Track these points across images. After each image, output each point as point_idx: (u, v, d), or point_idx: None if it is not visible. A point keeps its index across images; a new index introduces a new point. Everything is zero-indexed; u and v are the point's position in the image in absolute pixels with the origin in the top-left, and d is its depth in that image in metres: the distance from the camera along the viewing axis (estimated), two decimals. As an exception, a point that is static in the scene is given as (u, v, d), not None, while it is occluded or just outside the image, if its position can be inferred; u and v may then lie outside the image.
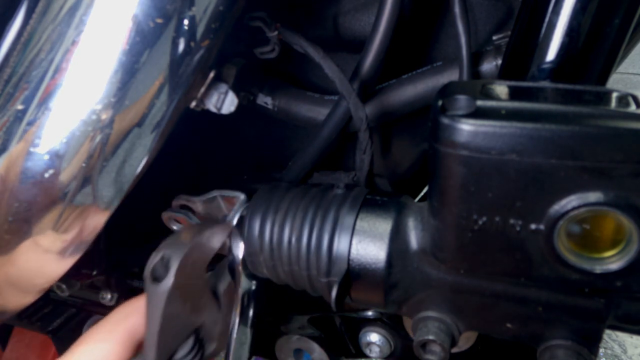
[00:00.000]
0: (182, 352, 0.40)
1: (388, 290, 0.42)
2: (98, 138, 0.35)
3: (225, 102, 0.42)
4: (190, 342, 0.41)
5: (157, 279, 0.37)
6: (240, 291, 0.49)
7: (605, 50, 0.41)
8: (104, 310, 0.66)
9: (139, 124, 0.36)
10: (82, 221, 0.37)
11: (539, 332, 0.39)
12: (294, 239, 0.44)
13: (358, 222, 0.42)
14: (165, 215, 0.49)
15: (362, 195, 0.44)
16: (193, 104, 0.40)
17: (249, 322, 0.50)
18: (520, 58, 0.43)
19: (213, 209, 0.50)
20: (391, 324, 0.59)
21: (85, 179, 0.36)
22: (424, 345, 0.40)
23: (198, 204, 0.50)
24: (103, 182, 0.36)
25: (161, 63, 0.34)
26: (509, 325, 0.39)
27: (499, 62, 0.52)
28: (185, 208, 0.50)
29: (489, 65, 0.52)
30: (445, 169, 0.32)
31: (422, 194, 0.74)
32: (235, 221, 0.46)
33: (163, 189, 0.52)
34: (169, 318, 0.38)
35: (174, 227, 0.50)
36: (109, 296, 0.62)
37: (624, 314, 0.37)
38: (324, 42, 0.52)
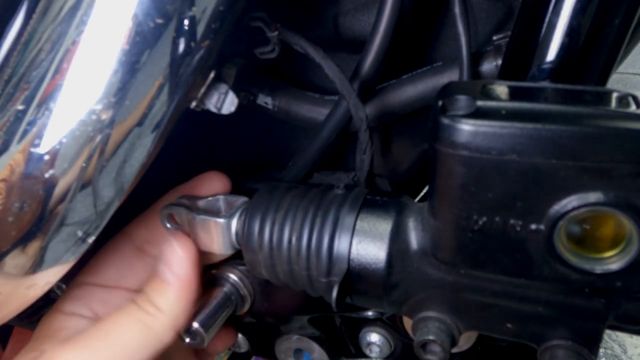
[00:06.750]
0: None
1: (388, 290, 0.42)
2: (98, 138, 0.35)
3: (226, 102, 0.42)
4: None
5: None
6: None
7: (605, 50, 0.41)
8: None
9: (139, 124, 0.35)
10: (82, 221, 0.37)
11: (539, 332, 0.39)
12: (294, 239, 0.44)
13: (358, 223, 0.42)
14: (163, 212, 0.49)
15: (362, 195, 0.44)
16: (193, 104, 0.40)
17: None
18: (520, 58, 0.43)
19: (213, 209, 0.50)
20: (391, 324, 0.59)
21: (86, 179, 0.36)
22: (424, 345, 0.40)
23: (200, 204, 0.50)
24: (103, 182, 0.36)
25: (161, 63, 0.34)
26: (509, 325, 0.39)
27: (499, 62, 0.51)
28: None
29: (489, 66, 0.52)
30: (445, 169, 0.32)
31: (422, 194, 0.74)
32: (234, 221, 0.46)
33: (163, 189, 0.52)
34: None
35: (168, 226, 0.50)
36: (109, 296, 0.61)
37: (624, 314, 0.37)
38: (324, 42, 0.52)
